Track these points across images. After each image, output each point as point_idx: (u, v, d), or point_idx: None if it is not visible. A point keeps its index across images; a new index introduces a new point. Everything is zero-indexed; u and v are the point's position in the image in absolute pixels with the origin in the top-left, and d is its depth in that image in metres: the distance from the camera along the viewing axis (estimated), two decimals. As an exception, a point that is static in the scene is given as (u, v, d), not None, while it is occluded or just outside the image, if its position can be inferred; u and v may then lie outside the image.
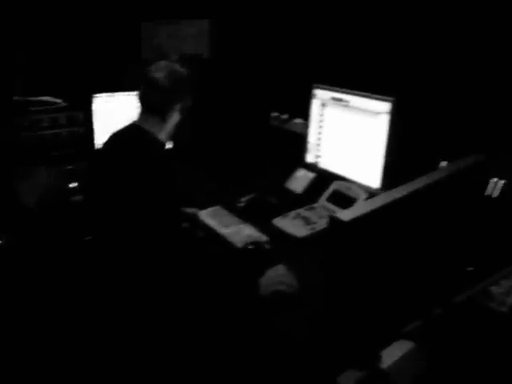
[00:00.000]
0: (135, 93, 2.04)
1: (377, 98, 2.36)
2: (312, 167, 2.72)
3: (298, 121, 3.09)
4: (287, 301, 1.78)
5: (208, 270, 1.83)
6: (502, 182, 2.07)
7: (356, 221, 1.19)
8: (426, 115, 2.38)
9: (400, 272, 1.45)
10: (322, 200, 2.48)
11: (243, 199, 2.53)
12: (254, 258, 2.06)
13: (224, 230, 2.25)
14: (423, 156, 2.32)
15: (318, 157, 2.71)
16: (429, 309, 1.64)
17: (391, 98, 2.29)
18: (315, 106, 2.71)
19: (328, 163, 2.66)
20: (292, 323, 1.68)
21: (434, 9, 2.35)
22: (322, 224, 2.27)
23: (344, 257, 1.25)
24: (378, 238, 1.31)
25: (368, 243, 1.28)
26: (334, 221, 1.19)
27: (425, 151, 2.34)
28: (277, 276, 1.80)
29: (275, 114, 3.24)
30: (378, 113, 2.34)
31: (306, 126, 2.86)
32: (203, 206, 2.46)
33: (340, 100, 2.56)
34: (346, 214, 1.20)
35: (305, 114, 2.80)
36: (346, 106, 2.53)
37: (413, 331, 1.59)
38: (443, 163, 2.27)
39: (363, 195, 2.34)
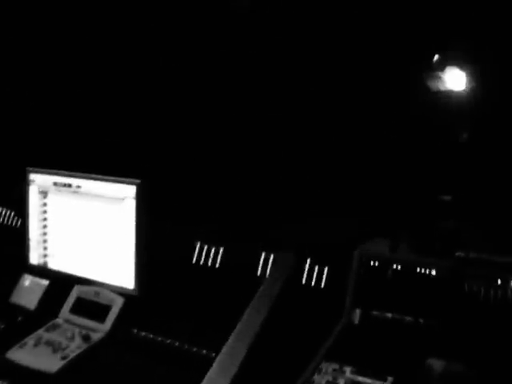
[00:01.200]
0: None
1: (118, 181, 2.02)
2: (40, 271, 2.18)
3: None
4: None
5: None
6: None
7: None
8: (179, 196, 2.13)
9: None
10: (65, 313, 1.99)
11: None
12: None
13: None
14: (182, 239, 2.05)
15: (45, 256, 2.20)
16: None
17: (136, 181, 1.97)
18: (33, 194, 2.22)
19: (62, 264, 2.16)
20: None
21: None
22: (74, 347, 1.79)
23: None
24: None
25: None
26: None
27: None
28: None
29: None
30: (122, 198, 1.99)
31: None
32: None
33: (67, 185, 2.13)
34: None
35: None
36: (77, 192, 2.11)
37: None
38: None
39: (119, 300, 1.94)
